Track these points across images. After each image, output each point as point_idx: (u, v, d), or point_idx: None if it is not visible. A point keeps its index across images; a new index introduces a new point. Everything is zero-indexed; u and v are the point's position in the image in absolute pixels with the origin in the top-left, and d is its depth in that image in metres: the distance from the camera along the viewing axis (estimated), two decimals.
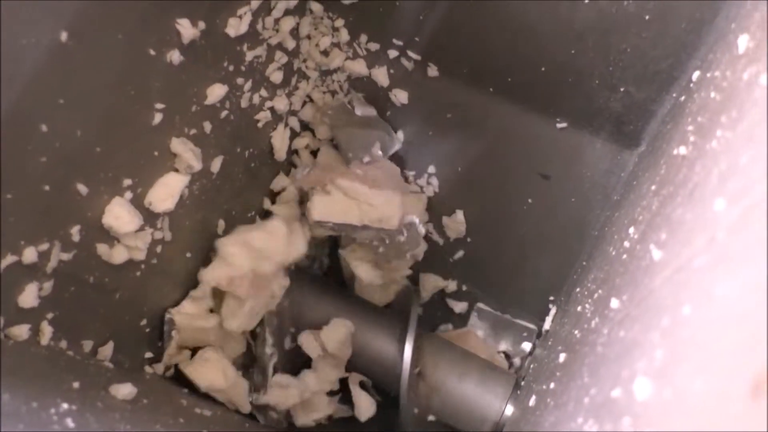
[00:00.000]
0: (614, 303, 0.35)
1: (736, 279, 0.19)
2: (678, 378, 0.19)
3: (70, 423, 0.33)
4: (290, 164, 0.79)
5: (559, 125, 0.69)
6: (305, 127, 0.79)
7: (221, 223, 0.70)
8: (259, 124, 0.71)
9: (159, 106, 0.55)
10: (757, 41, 0.31)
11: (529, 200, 0.74)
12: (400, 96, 0.75)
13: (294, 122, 0.77)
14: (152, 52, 0.52)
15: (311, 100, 0.78)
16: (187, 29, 0.54)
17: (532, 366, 0.69)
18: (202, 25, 0.56)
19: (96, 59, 0.47)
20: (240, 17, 0.61)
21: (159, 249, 0.60)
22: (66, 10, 0.43)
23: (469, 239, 0.78)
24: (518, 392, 0.67)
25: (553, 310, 0.72)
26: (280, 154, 0.76)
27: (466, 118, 0.73)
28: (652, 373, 0.20)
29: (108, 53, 0.48)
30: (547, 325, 0.71)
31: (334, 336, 0.70)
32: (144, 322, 0.62)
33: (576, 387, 0.34)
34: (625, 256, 0.40)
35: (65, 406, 0.34)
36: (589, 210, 0.71)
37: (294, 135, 0.78)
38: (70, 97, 0.45)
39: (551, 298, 0.75)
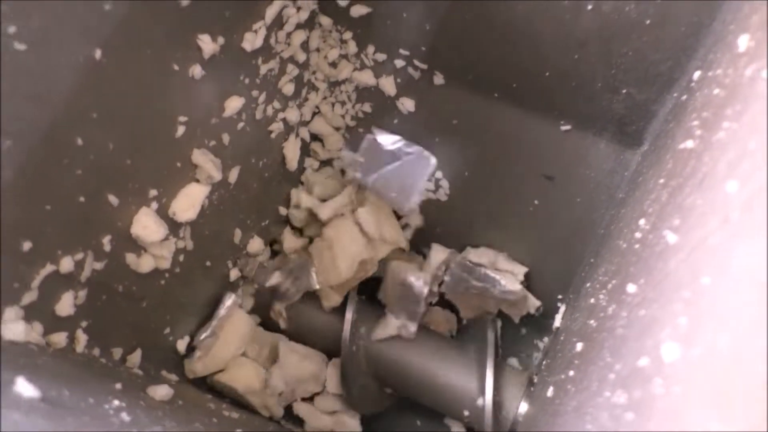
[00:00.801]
0: (631, 288, 0.37)
1: (752, 248, 0.21)
2: (705, 337, 0.21)
3: (125, 417, 0.34)
4: (301, 174, 0.81)
5: (563, 128, 0.71)
6: (315, 137, 0.81)
7: (237, 232, 0.72)
8: (272, 135, 0.73)
9: (182, 119, 0.57)
10: (758, 40, 0.34)
11: (535, 201, 0.76)
12: (407, 104, 0.77)
13: (305, 133, 0.79)
14: (176, 67, 0.54)
15: (319, 112, 0.80)
16: (207, 44, 0.56)
17: (544, 362, 0.71)
18: (221, 40, 0.58)
19: (127, 75, 0.49)
20: (255, 32, 0.63)
21: (182, 258, 0.62)
22: (101, 28, 0.45)
23: None
24: (531, 389, 0.69)
25: (562, 308, 0.73)
26: (292, 164, 0.78)
27: (472, 124, 0.75)
28: (679, 338, 0.22)
29: (138, 69, 0.50)
30: (557, 322, 0.72)
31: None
32: (167, 330, 0.64)
33: (598, 369, 0.36)
34: (637, 245, 0.42)
35: (116, 402, 0.36)
36: (594, 209, 0.73)
37: (305, 145, 0.80)
38: (103, 112, 0.48)
39: (559, 296, 0.77)
